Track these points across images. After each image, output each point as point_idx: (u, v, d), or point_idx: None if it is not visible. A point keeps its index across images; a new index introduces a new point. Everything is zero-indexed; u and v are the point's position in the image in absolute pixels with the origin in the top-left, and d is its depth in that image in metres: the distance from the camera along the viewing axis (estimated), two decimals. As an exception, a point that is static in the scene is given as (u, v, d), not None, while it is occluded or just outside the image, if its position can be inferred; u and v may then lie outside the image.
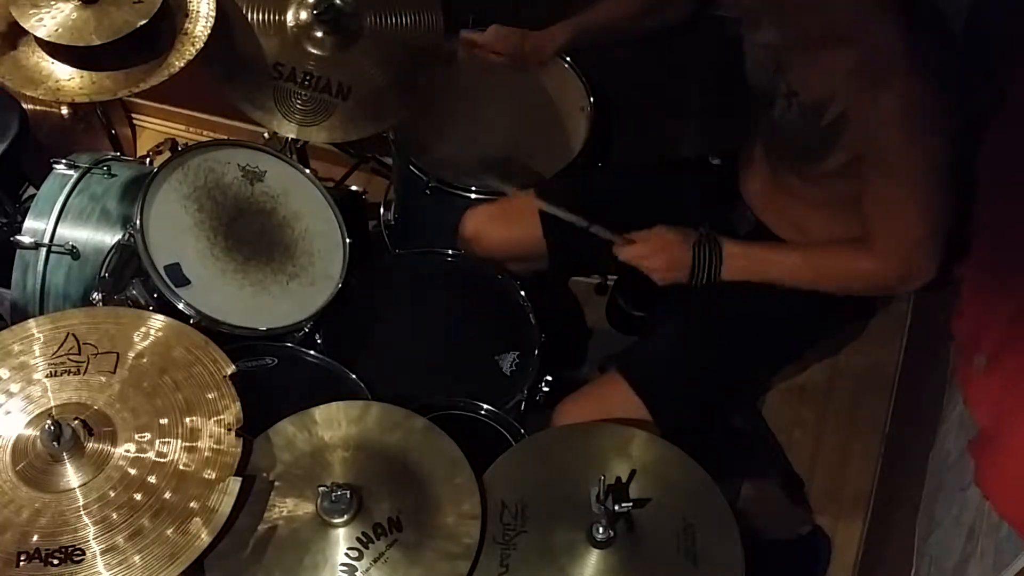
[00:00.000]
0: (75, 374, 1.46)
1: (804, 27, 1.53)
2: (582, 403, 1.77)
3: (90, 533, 1.31)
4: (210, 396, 1.45)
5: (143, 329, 1.53)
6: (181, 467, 1.38)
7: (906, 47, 1.43)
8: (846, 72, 1.48)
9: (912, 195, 1.51)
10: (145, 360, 1.49)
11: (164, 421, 1.42)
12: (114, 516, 1.33)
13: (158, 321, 1.54)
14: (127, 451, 1.39)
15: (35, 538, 1.31)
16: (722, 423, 2.13)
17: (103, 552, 1.30)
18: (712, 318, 1.75)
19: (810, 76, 1.55)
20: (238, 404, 1.44)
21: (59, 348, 1.49)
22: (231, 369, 1.48)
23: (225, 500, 1.35)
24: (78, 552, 1.30)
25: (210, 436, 1.41)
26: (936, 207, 1.51)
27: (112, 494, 1.35)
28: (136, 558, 1.30)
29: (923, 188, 1.50)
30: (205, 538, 1.32)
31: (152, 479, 1.37)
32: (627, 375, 1.74)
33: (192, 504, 1.34)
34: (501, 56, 1.94)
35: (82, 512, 1.33)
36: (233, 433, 1.41)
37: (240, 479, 1.37)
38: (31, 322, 1.53)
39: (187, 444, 1.40)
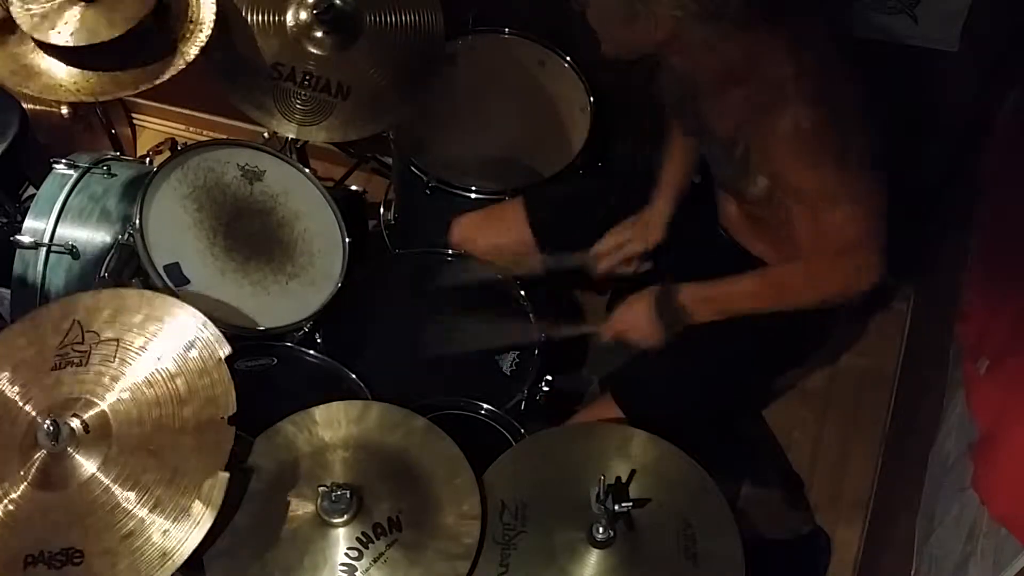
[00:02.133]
0: (78, 365, 1.45)
1: (703, 69, 1.58)
2: None
3: (88, 534, 1.31)
4: (204, 381, 1.44)
5: (142, 311, 1.51)
6: (173, 460, 1.37)
7: (794, 79, 1.47)
8: (743, 106, 1.53)
9: (823, 213, 1.54)
10: (142, 344, 1.48)
11: (159, 412, 1.41)
12: (110, 516, 1.33)
13: (156, 301, 1.52)
14: (123, 448, 1.38)
15: (38, 540, 1.31)
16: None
17: (101, 553, 1.30)
18: (698, 337, 1.76)
19: (718, 116, 1.60)
20: (232, 391, 1.43)
21: (64, 338, 1.48)
22: (226, 351, 1.46)
23: (216, 494, 1.34)
24: (78, 555, 1.30)
25: (202, 420, 1.40)
26: (850, 221, 1.54)
27: (108, 492, 1.34)
28: (127, 561, 1.30)
29: (832, 206, 1.54)
30: (196, 536, 1.32)
31: (146, 475, 1.36)
32: (616, 398, 1.78)
33: (183, 500, 1.34)
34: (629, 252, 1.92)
35: (83, 512, 1.33)
36: (225, 419, 1.40)
37: (228, 474, 1.36)
38: (42, 310, 1.53)
39: (180, 433, 1.39)
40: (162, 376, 1.45)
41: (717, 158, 1.70)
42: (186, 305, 1.52)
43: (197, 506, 1.34)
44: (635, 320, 1.76)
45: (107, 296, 1.54)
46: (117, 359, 1.46)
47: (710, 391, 1.80)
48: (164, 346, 1.47)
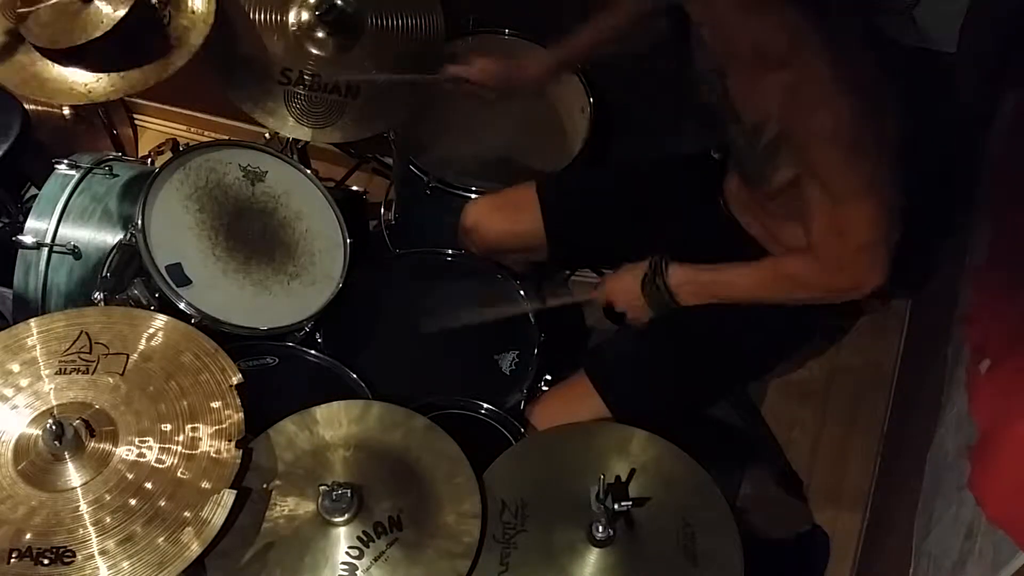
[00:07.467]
0: (84, 373, 1.47)
1: (739, 50, 1.56)
2: (552, 402, 1.80)
3: (83, 535, 1.32)
4: (214, 405, 1.45)
5: (153, 331, 1.53)
6: (179, 475, 1.38)
7: (834, 70, 1.46)
8: (780, 94, 1.51)
9: (848, 208, 1.53)
10: (153, 363, 1.49)
11: (167, 427, 1.42)
12: (108, 520, 1.33)
13: (169, 325, 1.55)
14: (127, 454, 1.39)
15: (28, 536, 1.32)
16: (721, 423, 2.14)
17: (93, 555, 1.30)
18: (678, 318, 1.76)
19: (748, 100, 1.59)
20: (241, 415, 1.44)
21: (71, 346, 1.49)
22: (237, 379, 1.48)
23: (219, 512, 1.35)
24: (69, 553, 1.30)
25: (210, 446, 1.41)
26: (874, 218, 1.53)
27: (108, 497, 1.35)
28: (125, 564, 1.30)
29: (858, 201, 1.52)
30: (195, 549, 1.32)
31: (149, 485, 1.37)
32: (590, 374, 1.76)
33: (185, 514, 1.35)
34: (486, 87, 1.93)
35: (78, 514, 1.34)
36: (233, 444, 1.42)
37: (235, 492, 1.37)
38: (46, 318, 1.53)
39: (187, 452, 1.40)
40: (171, 394, 1.46)
41: (740, 148, 1.68)
42: (199, 332, 1.54)
43: (199, 520, 1.34)
44: (622, 291, 1.76)
45: (119, 314, 1.56)
46: (125, 372, 1.47)
47: (682, 377, 1.79)
48: (173, 367, 1.48)
